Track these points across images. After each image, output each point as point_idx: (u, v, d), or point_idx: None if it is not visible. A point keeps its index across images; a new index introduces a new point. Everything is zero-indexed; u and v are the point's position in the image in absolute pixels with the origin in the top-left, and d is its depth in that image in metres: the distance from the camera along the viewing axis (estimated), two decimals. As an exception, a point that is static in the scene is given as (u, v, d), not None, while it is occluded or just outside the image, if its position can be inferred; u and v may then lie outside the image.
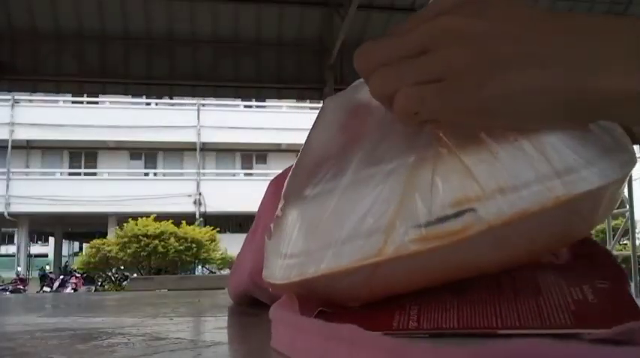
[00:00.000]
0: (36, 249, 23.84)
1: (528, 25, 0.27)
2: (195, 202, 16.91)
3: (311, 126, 0.43)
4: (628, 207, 7.23)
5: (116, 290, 10.44)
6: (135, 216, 11.82)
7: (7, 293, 10.58)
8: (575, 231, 0.31)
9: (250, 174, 18.50)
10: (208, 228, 12.47)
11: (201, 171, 17.58)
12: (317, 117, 0.43)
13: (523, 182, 0.27)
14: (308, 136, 0.42)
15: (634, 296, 0.31)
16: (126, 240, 11.12)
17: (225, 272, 11.90)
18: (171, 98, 16.01)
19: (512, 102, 0.27)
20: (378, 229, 0.28)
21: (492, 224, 0.26)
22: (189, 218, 14.29)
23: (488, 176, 0.27)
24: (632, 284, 5.25)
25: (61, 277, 13.21)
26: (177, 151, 18.43)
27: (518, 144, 0.27)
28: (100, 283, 12.55)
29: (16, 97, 16.61)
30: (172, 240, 11.19)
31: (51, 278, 13.27)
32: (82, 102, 17.47)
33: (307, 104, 17.33)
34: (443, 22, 0.27)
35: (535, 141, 0.27)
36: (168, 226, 11.41)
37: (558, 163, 0.27)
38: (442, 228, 0.27)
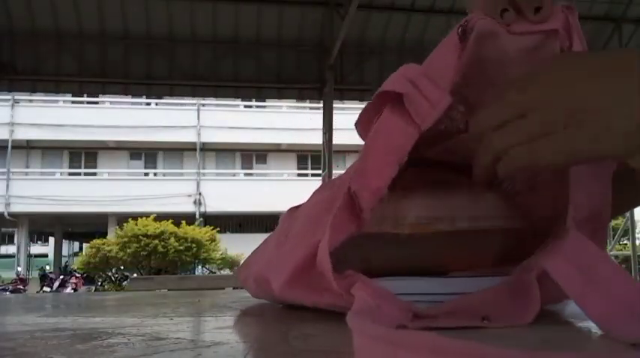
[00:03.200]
0: (36, 249, 23.84)
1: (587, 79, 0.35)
2: (195, 202, 16.92)
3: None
4: (628, 207, 7.23)
5: (116, 290, 10.44)
6: (135, 216, 11.82)
7: (7, 293, 10.58)
8: (480, 254, 0.48)
9: (250, 174, 18.50)
10: (208, 228, 12.47)
11: (201, 171, 17.58)
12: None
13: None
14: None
15: None
16: (126, 240, 11.12)
17: (225, 272, 11.91)
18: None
19: (600, 140, 0.34)
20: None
21: (441, 229, 0.44)
22: (189, 218, 14.29)
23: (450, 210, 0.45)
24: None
25: (61, 277, 13.21)
26: (177, 151, 18.43)
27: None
28: (100, 283, 12.55)
29: (16, 97, 16.60)
30: (172, 240, 11.19)
31: (51, 278, 13.26)
32: (82, 102, 17.47)
33: (307, 104, 17.32)
34: (532, 93, 0.36)
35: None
36: (168, 226, 11.41)
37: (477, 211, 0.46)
38: (420, 227, 0.44)
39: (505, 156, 0.36)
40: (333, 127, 6.25)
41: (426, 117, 0.39)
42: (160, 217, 11.79)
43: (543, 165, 0.36)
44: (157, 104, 17.80)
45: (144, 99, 17.26)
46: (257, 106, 18.39)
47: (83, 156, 18.42)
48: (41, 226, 20.38)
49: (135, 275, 10.14)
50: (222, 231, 14.31)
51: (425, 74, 0.40)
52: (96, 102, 17.45)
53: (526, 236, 0.46)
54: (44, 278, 13.54)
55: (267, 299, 0.55)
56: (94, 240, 11.84)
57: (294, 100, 14.18)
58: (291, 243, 0.47)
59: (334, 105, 6.38)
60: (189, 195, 16.98)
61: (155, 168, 18.53)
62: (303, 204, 0.55)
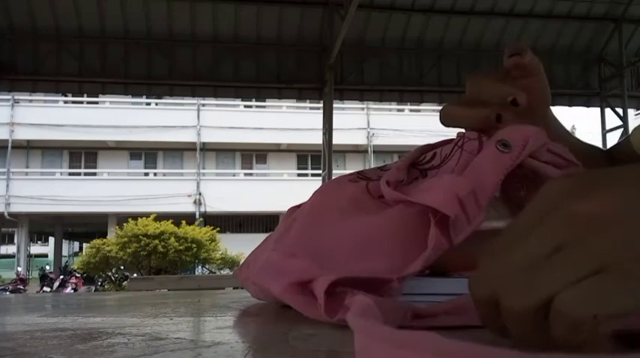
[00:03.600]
0: (36, 249, 23.85)
1: None
2: (195, 202, 16.92)
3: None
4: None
5: (116, 290, 10.45)
6: (135, 216, 11.83)
7: (7, 293, 10.58)
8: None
9: (250, 174, 18.51)
10: (208, 228, 12.48)
11: (201, 171, 17.59)
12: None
13: None
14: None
15: None
16: (126, 239, 11.12)
17: (225, 272, 11.91)
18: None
19: None
20: None
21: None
22: (189, 218, 14.30)
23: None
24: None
25: (61, 277, 13.22)
26: (177, 151, 18.44)
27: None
28: (100, 283, 12.56)
29: (16, 97, 16.62)
30: (172, 239, 11.19)
31: (51, 278, 13.28)
32: (82, 102, 17.48)
33: (307, 104, 17.33)
34: (574, 210, 0.25)
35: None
36: (168, 226, 11.41)
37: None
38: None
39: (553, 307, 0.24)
40: (333, 127, 6.25)
41: (461, 233, 0.39)
42: (160, 217, 11.80)
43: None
44: (157, 104, 17.81)
45: (144, 99, 17.28)
46: (257, 106, 18.40)
47: (83, 156, 18.43)
48: (41, 226, 20.39)
49: (135, 275, 10.15)
50: (222, 231, 14.31)
51: (472, 191, 0.40)
52: (96, 102, 17.46)
53: None
54: (44, 278, 13.56)
55: (267, 300, 0.55)
56: (94, 240, 11.84)
57: (294, 100, 14.19)
58: (290, 248, 0.47)
59: (334, 105, 6.39)
60: (189, 195, 16.99)
61: (155, 168, 18.54)
62: (303, 204, 0.54)
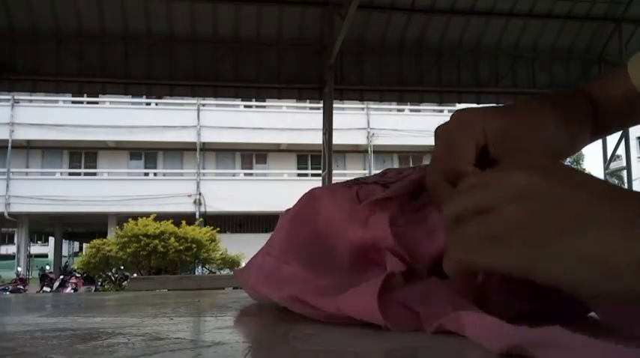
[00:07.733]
0: (36, 249, 23.85)
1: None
2: (195, 202, 16.92)
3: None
4: (628, 207, 7.21)
5: (116, 290, 10.44)
6: (135, 216, 11.82)
7: (7, 293, 10.58)
8: None
9: (250, 174, 18.51)
10: (208, 228, 12.47)
11: (201, 171, 17.59)
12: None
13: None
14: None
15: None
16: (126, 239, 11.11)
17: (225, 272, 11.90)
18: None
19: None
20: None
21: None
22: (189, 218, 14.30)
23: None
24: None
25: (61, 277, 13.21)
26: (177, 151, 18.43)
27: None
28: (100, 283, 12.55)
29: (16, 97, 16.61)
30: (172, 239, 11.18)
31: (51, 278, 13.27)
32: (82, 102, 17.48)
33: (307, 104, 17.32)
34: (508, 182, 0.31)
35: None
36: (168, 226, 11.40)
37: None
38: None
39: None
40: (333, 127, 6.25)
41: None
42: (160, 217, 11.79)
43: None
44: (157, 104, 17.81)
45: (144, 99, 17.27)
46: (257, 106, 18.39)
47: (83, 156, 18.43)
48: (41, 226, 20.38)
49: (135, 275, 10.14)
50: (222, 231, 14.30)
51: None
52: (96, 102, 17.46)
53: None
54: (44, 278, 13.55)
55: (267, 302, 0.55)
56: (94, 240, 11.84)
57: (294, 100, 14.18)
58: (282, 253, 0.47)
59: (334, 105, 6.38)
60: (189, 195, 16.99)
61: (155, 168, 18.54)
62: (292, 207, 0.54)
